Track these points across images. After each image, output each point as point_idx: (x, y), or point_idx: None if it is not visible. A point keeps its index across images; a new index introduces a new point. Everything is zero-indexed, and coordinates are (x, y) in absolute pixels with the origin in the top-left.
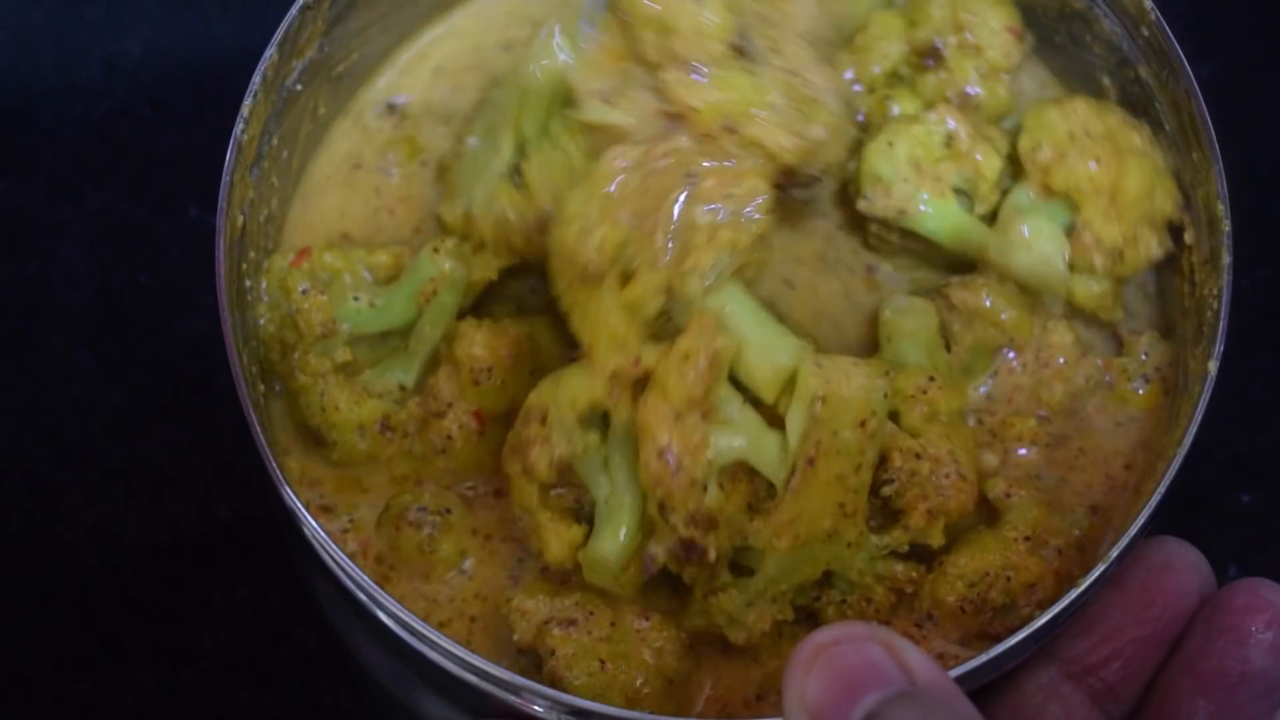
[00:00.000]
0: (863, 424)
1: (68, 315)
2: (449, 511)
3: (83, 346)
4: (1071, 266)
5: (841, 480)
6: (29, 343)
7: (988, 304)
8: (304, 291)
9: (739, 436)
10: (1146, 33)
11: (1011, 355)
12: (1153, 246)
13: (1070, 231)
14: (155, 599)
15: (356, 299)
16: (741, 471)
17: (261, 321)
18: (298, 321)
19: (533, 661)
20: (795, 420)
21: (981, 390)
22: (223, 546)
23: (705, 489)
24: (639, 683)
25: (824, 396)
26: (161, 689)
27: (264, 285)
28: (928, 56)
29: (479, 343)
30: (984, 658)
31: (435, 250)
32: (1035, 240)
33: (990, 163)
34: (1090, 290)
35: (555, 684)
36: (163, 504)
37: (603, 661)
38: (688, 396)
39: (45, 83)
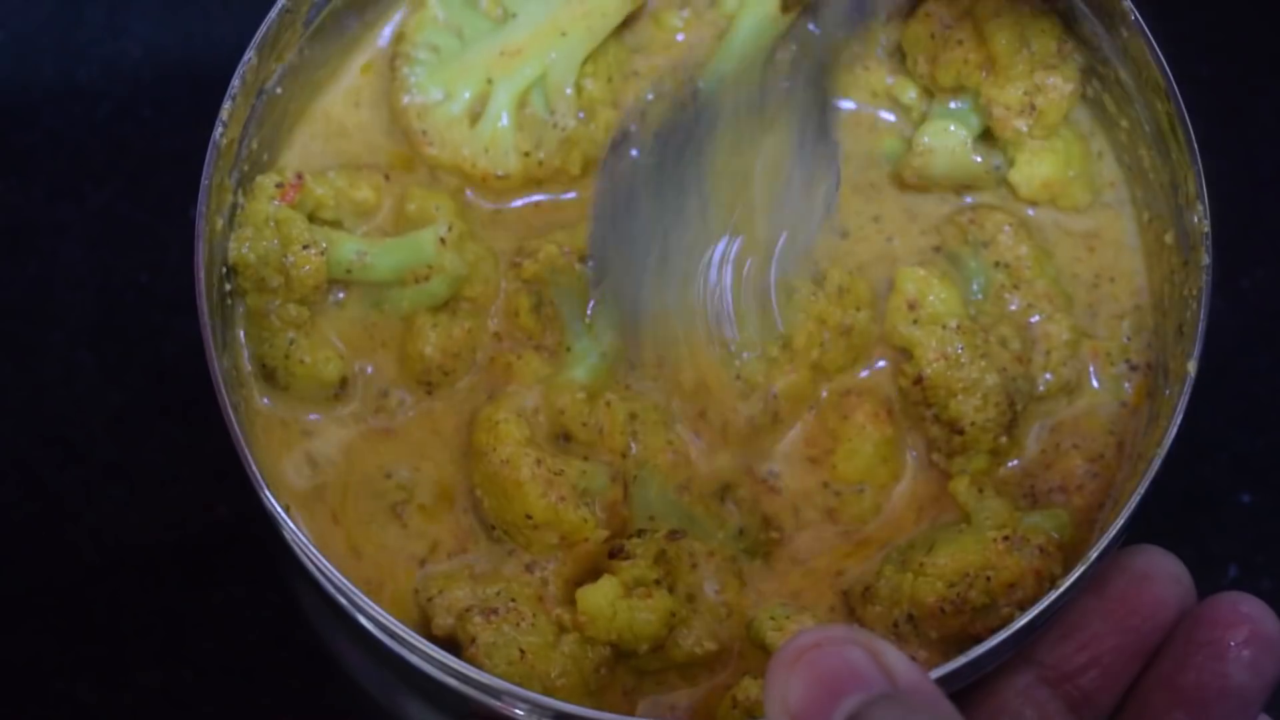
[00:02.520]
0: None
1: (68, 315)
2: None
3: (83, 346)
4: (1011, 160)
5: None
6: (29, 343)
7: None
8: (305, 248)
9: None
10: (1125, 34)
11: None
12: (1060, 84)
13: (987, 119)
14: (155, 599)
15: (348, 248)
16: None
17: (245, 249)
18: (290, 273)
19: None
20: None
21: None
22: (223, 546)
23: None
24: (555, 674)
25: None
26: (161, 689)
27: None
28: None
29: (433, 342)
30: (963, 660)
31: (443, 241)
32: (937, 141)
33: (904, 89)
34: (1033, 174)
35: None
36: (163, 504)
37: (523, 651)
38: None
39: (45, 83)
